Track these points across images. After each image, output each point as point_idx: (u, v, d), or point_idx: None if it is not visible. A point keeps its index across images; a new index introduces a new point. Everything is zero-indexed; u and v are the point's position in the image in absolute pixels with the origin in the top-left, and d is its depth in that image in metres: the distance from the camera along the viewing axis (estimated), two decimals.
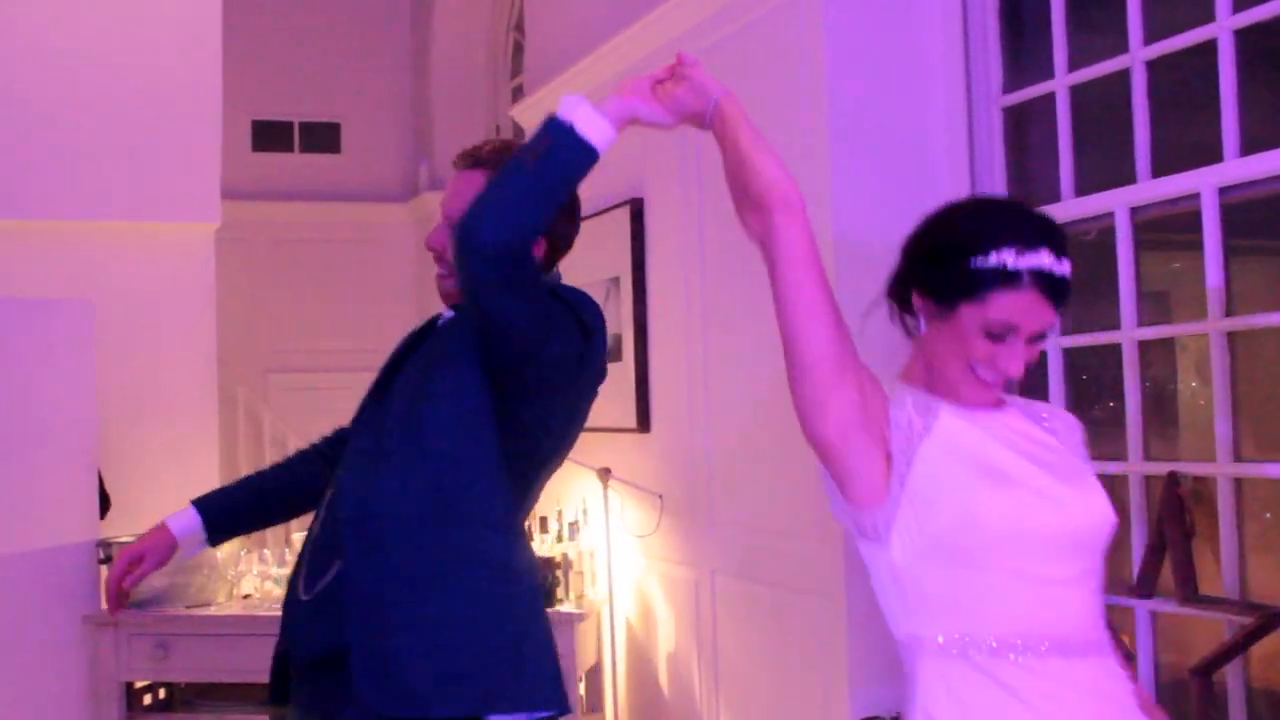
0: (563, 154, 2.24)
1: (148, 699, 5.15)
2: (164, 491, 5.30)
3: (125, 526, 5.15)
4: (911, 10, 3.92)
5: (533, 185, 2.25)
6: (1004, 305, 1.92)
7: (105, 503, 5.47)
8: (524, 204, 2.26)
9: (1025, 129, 3.83)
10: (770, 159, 2.10)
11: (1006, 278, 1.92)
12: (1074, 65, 3.58)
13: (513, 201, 2.25)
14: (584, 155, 2.24)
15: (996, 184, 3.82)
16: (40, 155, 5.84)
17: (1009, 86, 3.82)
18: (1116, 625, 2.32)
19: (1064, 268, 1.96)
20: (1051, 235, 1.97)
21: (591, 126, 2.22)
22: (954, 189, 3.85)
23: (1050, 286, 1.94)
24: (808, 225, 2.05)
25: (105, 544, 5.00)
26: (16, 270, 5.67)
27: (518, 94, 7.21)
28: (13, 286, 5.52)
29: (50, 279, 5.70)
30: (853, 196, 3.87)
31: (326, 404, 4.72)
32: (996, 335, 1.94)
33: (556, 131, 2.23)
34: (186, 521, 2.82)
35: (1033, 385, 3.68)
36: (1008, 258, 1.92)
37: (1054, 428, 2.11)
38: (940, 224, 2.05)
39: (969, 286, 1.93)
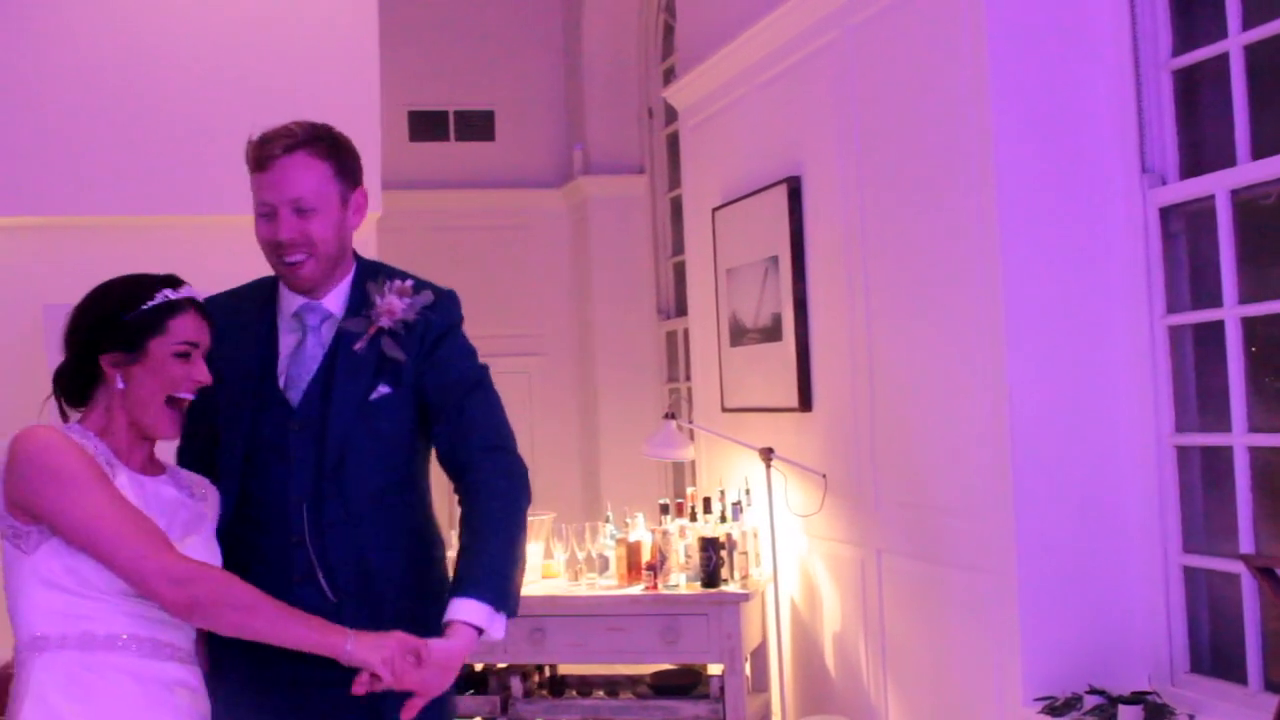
0: None
1: None
2: None
3: None
4: None
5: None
6: (182, 328, 2.43)
7: None
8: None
9: (1196, 92, 3.71)
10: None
11: (173, 307, 2.42)
12: (1247, 23, 3.46)
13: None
14: None
15: (1167, 150, 3.71)
16: (203, 151, 5.99)
17: (1178, 49, 3.70)
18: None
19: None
20: (171, 278, 2.49)
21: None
22: (1123, 158, 3.76)
23: (199, 305, 2.48)
24: None
25: None
26: (188, 265, 5.82)
27: (669, 76, 7.21)
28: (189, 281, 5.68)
29: (217, 273, 5.84)
30: (1017, 171, 3.80)
31: None
32: (184, 354, 2.42)
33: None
34: None
35: (1208, 357, 3.59)
36: (168, 294, 2.43)
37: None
38: (98, 299, 2.45)
39: (151, 324, 2.40)
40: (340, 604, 2.62)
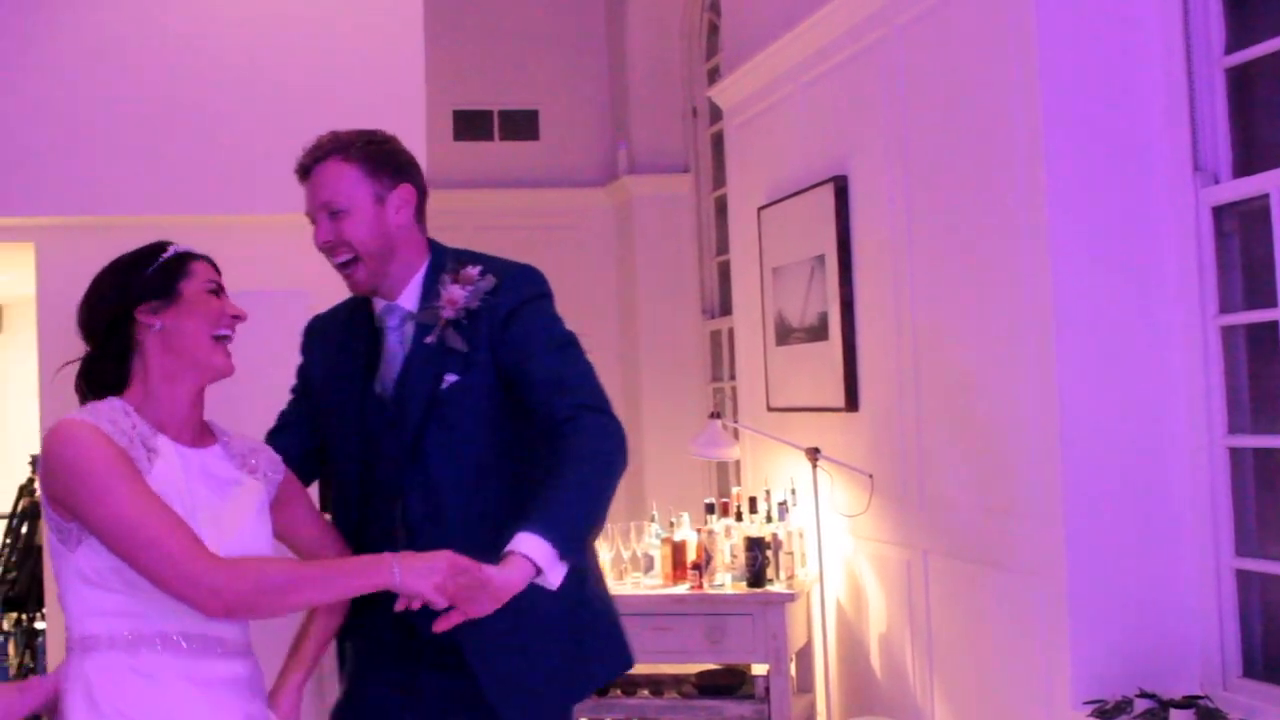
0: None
1: None
2: None
3: None
4: None
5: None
6: (202, 269, 2.51)
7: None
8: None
9: (1250, 90, 3.67)
10: None
11: (184, 256, 2.50)
12: None
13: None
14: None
15: (1220, 149, 3.67)
16: (251, 152, 6.02)
17: (1231, 46, 3.66)
18: None
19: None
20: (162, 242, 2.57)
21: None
22: (1175, 156, 3.72)
23: (206, 256, 2.58)
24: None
25: None
26: (233, 264, 5.84)
27: (714, 75, 7.20)
28: (232, 279, 5.72)
29: (265, 272, 5.88)
30: (1067, 170, 3.77)
31: None
32: (215, 290, 2.50)
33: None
34: None
35: (1263, 354, 3.55)
36: (174, 249, 2.52)
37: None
38: (111, 272, 2.50)
39: (176, 269, 2.46)
40: None
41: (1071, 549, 3.71)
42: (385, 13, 6.40)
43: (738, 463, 6.21)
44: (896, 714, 4.71)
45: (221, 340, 2.49)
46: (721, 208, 7.28)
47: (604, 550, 5.20)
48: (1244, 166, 3.64)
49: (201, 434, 2.50)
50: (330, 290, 5.72)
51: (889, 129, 4.65)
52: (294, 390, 2.97)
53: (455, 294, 2.68)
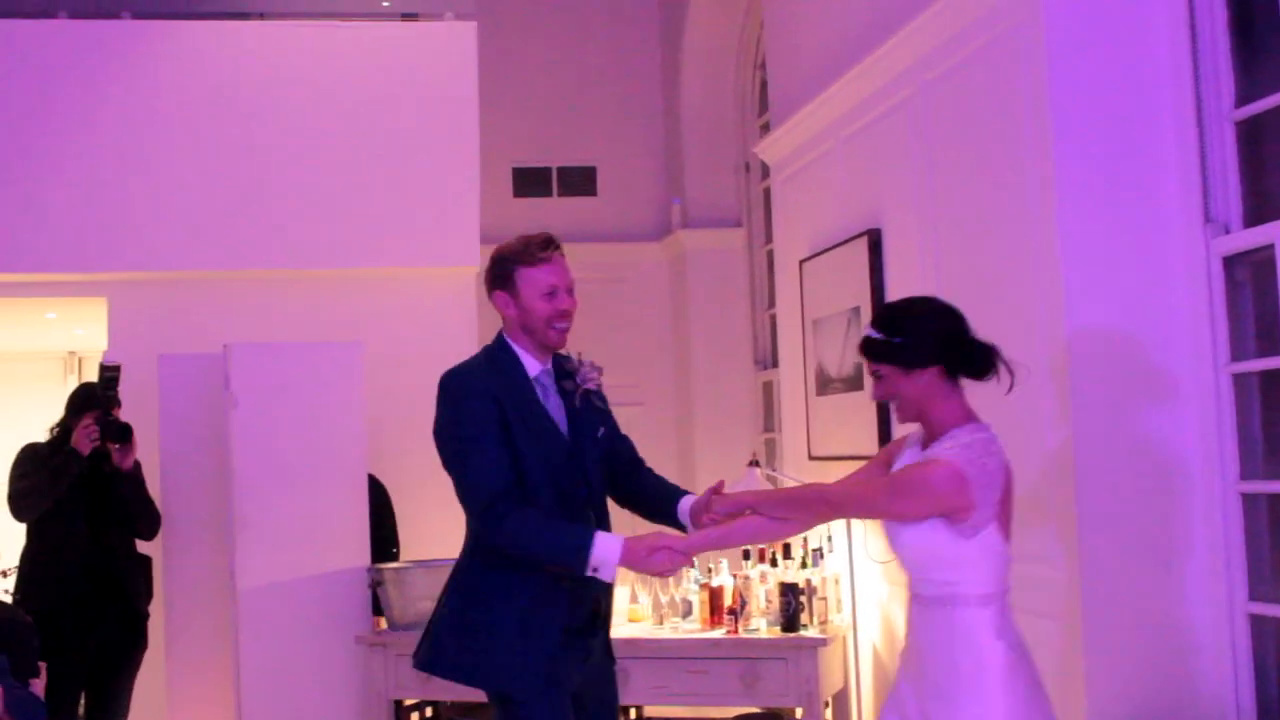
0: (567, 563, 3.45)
1: (415, 717, 5.44)
2: (431, 523, 5.61)
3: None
4: (1136, 29, 3.89)
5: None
6: None
7: (394, 543, 5.86)
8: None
9: (1259, 143, 3.75)
10: (784, 507, 3.48)
11: None
12: None
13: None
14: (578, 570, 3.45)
15: (1230, 202, 3.74)
16: (313, 209, 6.26)
17: (1241, 99, 3.75)
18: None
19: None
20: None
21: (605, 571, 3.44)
22: (1186, 210, 3.80)
23: None
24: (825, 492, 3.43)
25: (375, 569, 5.33)
26: (294, 316, 6.10)
27: (765, 131, 7.35)
28: (290, 331, 5.94)
29: (323, 323, 6.10)
30: (1081, 227, 3.86)
31: None
32: None
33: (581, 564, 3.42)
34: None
35: (1276, 400, 3.60)
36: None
37: None
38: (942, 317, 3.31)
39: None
40: None
41: (1086, 593, 3.77)
42: (442, 77, 6.63)
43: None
44: None
45: None
46: (772, 261, 7.41)
47: (643, 594, 5.31)
48: (1254, 217, 3.70)
49: None
50: (385, 341, 5.93)
51: (918, 183, 4.76)
52: None
53: (593, 375, 3.69)
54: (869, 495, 3.29)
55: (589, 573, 3.39)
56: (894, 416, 5.03)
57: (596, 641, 3.64)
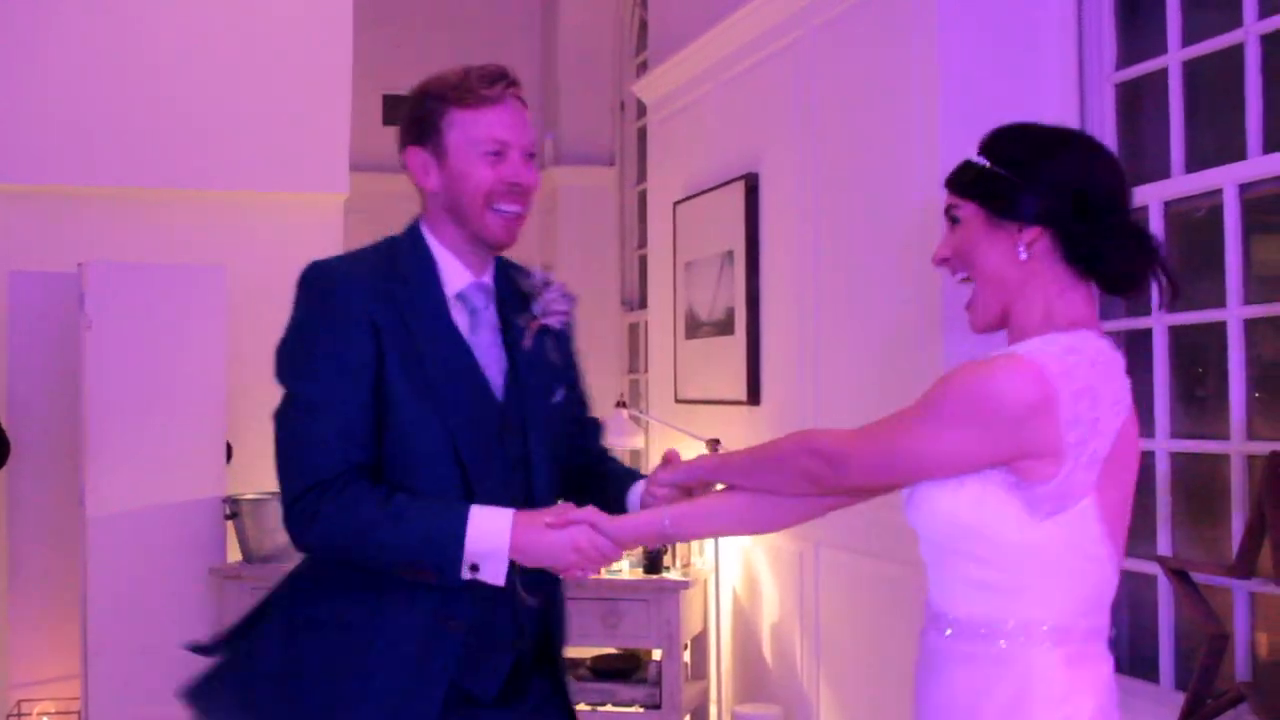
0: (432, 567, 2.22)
1: None
2: None
3: (249, 484, 5.32)
4: None
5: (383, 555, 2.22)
6: None
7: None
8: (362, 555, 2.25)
9: (1138, 105, 3.80)
10: (760, 473, 2.27)
11: None
12: (1187, 40, 3.55)
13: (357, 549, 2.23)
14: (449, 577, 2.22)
15: None
16: (176, 127, 6.05)
17: (1122, 63, 3.79)
18: None
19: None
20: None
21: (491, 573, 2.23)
22: None
23: None
24: (828, 454, 2.16)
25: (231, 500, 5.20)
26: (153, 237, 5.90)
27: (642, 71, 7.28)
28: (149, 253, 5.75)
29: (184, 246, 5.91)
30: None
31: None
32: None
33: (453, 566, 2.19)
34: None
35: (1136, 364, 3.67)
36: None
37: None
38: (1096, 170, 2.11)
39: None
40: None
41: None
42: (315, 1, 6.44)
43: (642, 452, 6.30)
44: (784, 702, 4.81)
45: None
46: (644, 202, 7.38)
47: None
48: (1130, 179, 3.75)
49: None
50: (247, 266, 5.77)
51: (799, 130, 4.75)
52: None
53: (558, 306, 2.50)
54: (883, 431, 2.08)
55: (465, 574, 2.19)
56: (764, 364, 5.06)
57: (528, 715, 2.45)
